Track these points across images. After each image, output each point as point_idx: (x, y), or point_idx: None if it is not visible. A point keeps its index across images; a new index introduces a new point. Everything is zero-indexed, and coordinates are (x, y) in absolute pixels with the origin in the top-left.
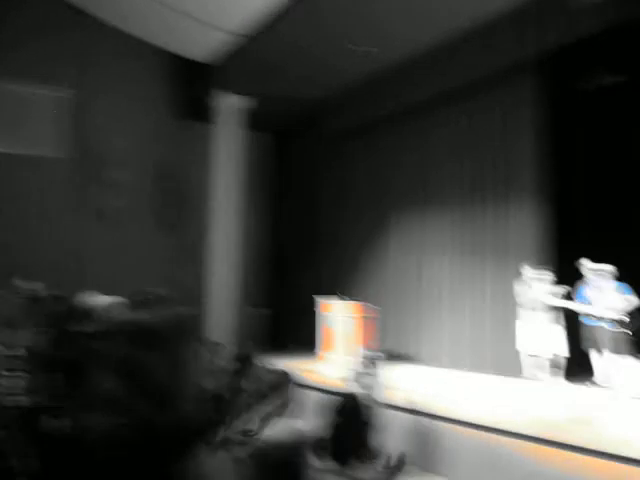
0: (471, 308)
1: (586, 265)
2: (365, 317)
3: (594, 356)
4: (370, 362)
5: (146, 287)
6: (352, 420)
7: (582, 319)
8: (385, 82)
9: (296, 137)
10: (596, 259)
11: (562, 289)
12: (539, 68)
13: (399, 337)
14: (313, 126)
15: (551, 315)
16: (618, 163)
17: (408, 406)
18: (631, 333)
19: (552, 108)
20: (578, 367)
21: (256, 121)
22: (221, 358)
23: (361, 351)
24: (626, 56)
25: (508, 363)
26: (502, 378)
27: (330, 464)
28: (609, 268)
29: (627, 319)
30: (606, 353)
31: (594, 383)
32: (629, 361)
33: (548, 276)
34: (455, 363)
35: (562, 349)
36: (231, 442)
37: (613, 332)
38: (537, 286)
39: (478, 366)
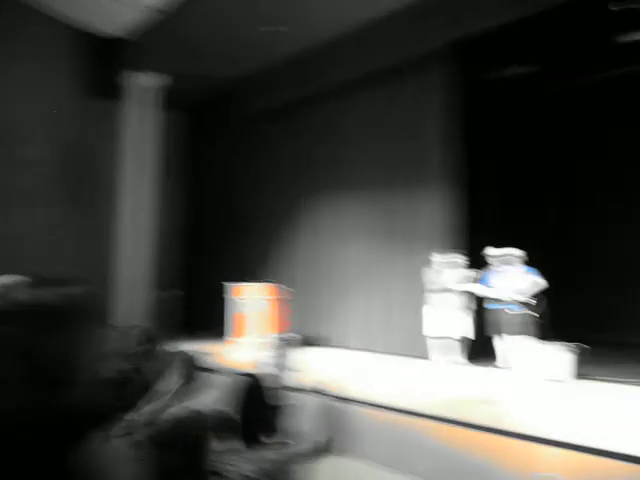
0: (382, 291)
1: (490, 252)
2: (277, 299)
3: (497, 340)
4: (281, 345)
5: (51, 267)
6: (258, 402)
7: (487, 304)
8: (304, 64)
9: (214, 117)
10: (505, 244)
11: (472, 273)
12: (452, 56)
13: (312, 320)
14: (232, 106)
15: (459, 299)
16: (525, 150)
17: (319, 389)
18: (538, 315)
19: (464, 95)
20: (484, 351)
21: (171, 99)
22: (127, 340)
23: (272, 334)
24: (535, 47)
25: (418, 346)
26: (412, 360)
27: (234, 445)
28: (516, 252)
29: (533, 302)
30: (510, 337)
31: (498, 367)
32: (534, 344)
33: (457, 261)
34: (367, 346)
35: (467, 331)
36: (134, 425)
37: (519, 315)
38: (445, 271)
39: (389, 348)
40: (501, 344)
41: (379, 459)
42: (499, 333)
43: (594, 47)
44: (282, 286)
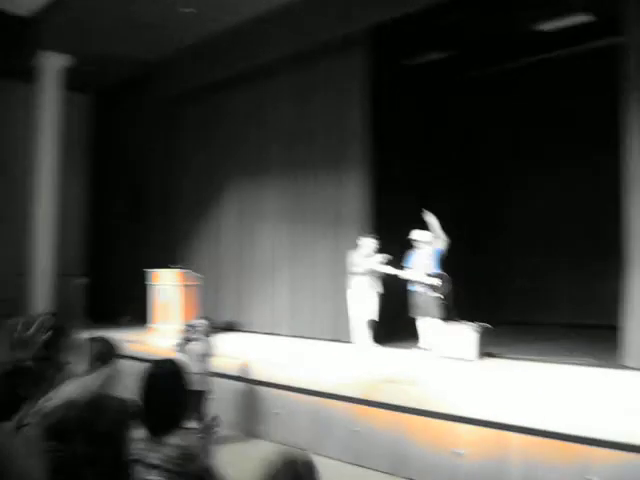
0: (307, 275)
1: (412, 235)
2: (192, 285)
3: (419, 321)
4: (197, 330)
5: None
6: (172, 388)
7: (410, 287)
8: (219, 47)
9: (128, 100)
10: (420, 227)
11: (384, 257)
12: (372, 41)
13: (234, 305)
14: (148, 89)
15: (374, 281)
16: (439, 135)
17: (238, 373)
18: (443, 297)
19: (379, 81)
20: (408, 333)
21: (78, 81)
22: (33, 329)
23: (190, 319)
24: (450, 33)
25: (340, 329)
26: (334, 344)
27: (146, 433)
28: (424, 235)
29: (439, 284)
30: (422, 318)
31: (420, 347)
32: (441, 324)
33: (373, 244)
34: (292, 331)
35: (375, 314)
36: (38, 415)
37: (427, 297)
38: (367, 254)
39: (314, 333)
40: (423, 325)
41: (298, 442)
42: (421, 315)
43: (511, 34)
44: (195, 273)
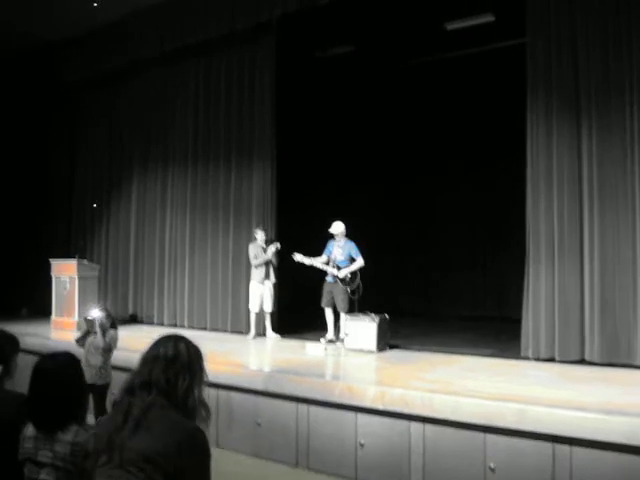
0: (205, 267)
1: (333, 226)
2: (91, 277)
3: (327, 312)
4: (96, 323)
5: None
6: (61, 382)
7: (326, 277)
8: (124, 32)
9: (24, 81)
10: (329, 220)
11: (275, 245)
12: (278, 32)
13: (134, 297)
14: (45, 71)
15: (271, 272)
16: (347, 129)
17: (125, 364)
18: (349, 291)
19: (287, 72)
20: (318, 324)
21: None
22: None
23: (89, 311)
24: (355, 26)
25: (241, 321)
26: (233, 336)
27: (36, 430)
28: (338, 228)
29: (347, 275)
30: (328, 308)
31: (326, 338)
32: (346, 315)
33: (264, 236)
34: (191, 322)
35: (272, 305)
36: None
37: (336, 287)
38: (267, 245)
39: (214, 324)
40: (328, 316)
41: None
42: (326, 305)
43: (420, 31)
44: (94, 264)
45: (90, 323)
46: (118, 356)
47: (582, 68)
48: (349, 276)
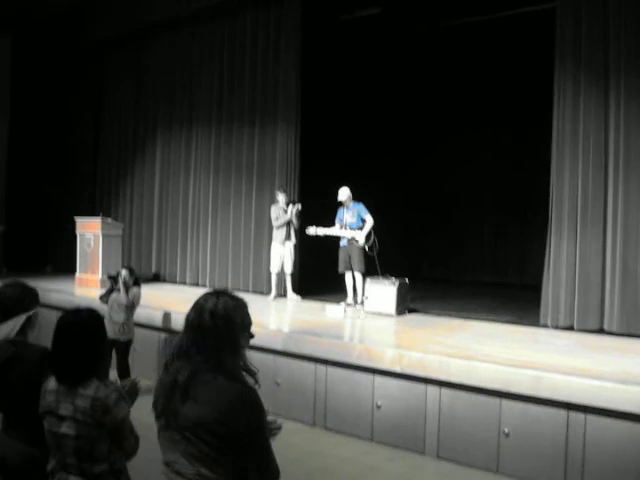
0: (227, 227)
1: (338, 194)
2: (115, 236)
3: (346, 276)
4: (119, 280)
5: None
6: (83, 336)
7: (341, 242)
8: None
9: (49, 42)
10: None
11: (296, 207)
12: None
13: (157, 256)
14: (69, 32)
15: (292, 234)
16: (372, 94)
17: (161, 324)
18: (367, 251)
19: (312, 35)
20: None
21: None
22: None
23: (113, 269)
24: None
25: (261, 281)
26: (253, 296)
27: (58, 383)
28: (344, 194)
29: (362, 238)
30: (347, 272)
31: (346, 302)
32: (363, 279)
33: (286, 197)
34: (212, 281)
35: (292, 266)
36: None
37: (352, 250)
38: (285, 207)
39: (233, 284)
40: (347, 280)
41: None
42: (347, 269)
43: None
44: (118, 223)
45: (113, 281)
46: (141, 313)
47: (612, 34)
48: (365, 240)
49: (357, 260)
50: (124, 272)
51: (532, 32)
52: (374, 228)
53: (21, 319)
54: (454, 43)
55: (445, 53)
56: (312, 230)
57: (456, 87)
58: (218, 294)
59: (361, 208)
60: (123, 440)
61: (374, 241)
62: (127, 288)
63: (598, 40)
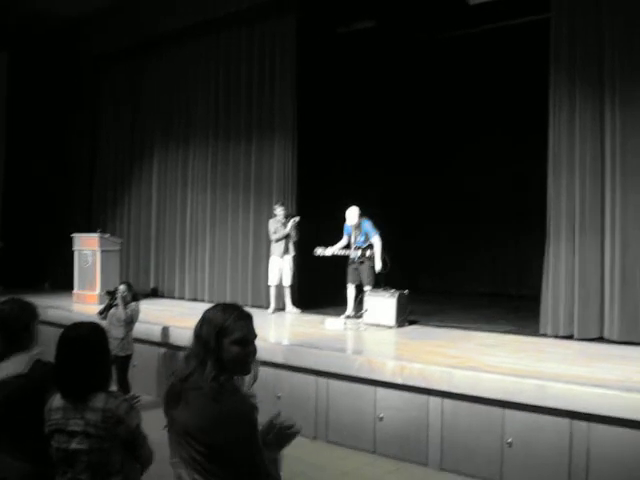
0: (226, 242)
1: (347, 216)
2: (113, 251)
3: (349, 288)
4: (118, 296)
5: None
6: (88, 350)
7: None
8: (145, 7)
9: (45, 58)
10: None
11: (294, 220)
12: (301, 6)
13: (156, 272)
14: (66, 47)
15: (290, 247)
16: (369, 107)
17: (160, 339)
18: (373, 265)
19: (309, 48)
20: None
21: None
22: None
23: (111, 285)
24: (377, 1)
25: (261, 295)
26: (253, 310)
27: (64, 399)
28: (352, 218)
29: (366, 253)
30: (351, 285)
31: (346, 314)
32: (367, 291)
33: (284, 211)
34: (211, 296)
35: (291, 278)
36: None
37: (365, 266)
38: (283, 220)
39: (233, 298)
40: (349, 292)
41: None
42: (349, 281)
43: (445, 6)
44: (116, 239)
45: (112, 296)
46: (139, 328)
47: (607, 44)
48: (381, 263)
49: (367, 275)
50: (122, 287)
51: (528, 42)
52: (383, 246)
53: (32, 355)
54: (449, 55)
55: (441, 65)
56: (320, 251)
57: (452, 99)
58: (224, 307)
59: (368, 225)
60: (138, 449)
61: (385, 259)
62: (125, 303)
63: (592, 50)
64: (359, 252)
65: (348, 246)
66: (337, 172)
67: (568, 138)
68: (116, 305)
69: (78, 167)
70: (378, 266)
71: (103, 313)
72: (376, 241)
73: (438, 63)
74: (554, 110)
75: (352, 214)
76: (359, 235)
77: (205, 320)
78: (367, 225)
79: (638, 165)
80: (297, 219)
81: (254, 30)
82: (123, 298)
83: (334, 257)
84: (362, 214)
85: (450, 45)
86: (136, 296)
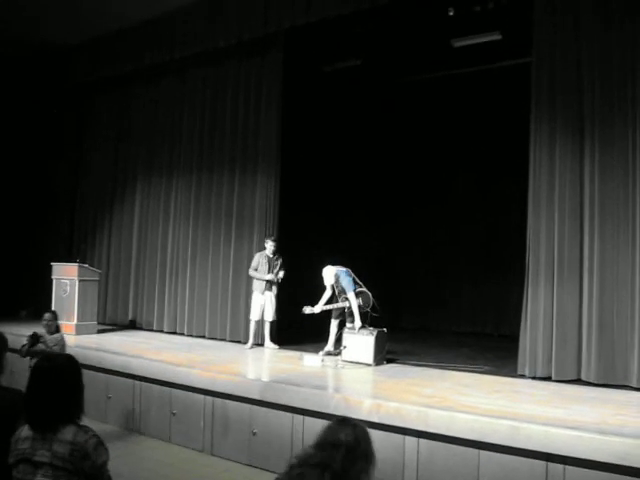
0: (205, 275)
1: (324, 275)
2: (91, 281)
3: (333, 324)
4: (43, 323)
5: None
6: (59, 382)
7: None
8: (131, 39)
9: (27, 87)
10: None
11: (282, 273)
12: (286, 44)
13: (135, 303)
14: (50, 76)
15: (273, 286)
16: (352, 145)
17: (127, 369)
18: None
19: (294, 85)
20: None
21: None
22: None
23: (91, 315)
24: (362, 40)
25: (239, 330)
26: (231, 345)
27: (32, 429)
28: (329, 279)
29: (357, 324)
30: (334, 321)
31: (326, 350)
32: (349, 330)
33: (273, 246)
34: (190, 329)
35: (273, 314)
36: None
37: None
38: (270, 255)
39: (211, 332)
40: (332, 328)
41: (194, 442)
42: (333, 317)
43: (426, 47)
44: (95, 269)
45: (35, 341)
46: (116, 361)
47: (586, 89)
48: (359, 319)
49: (356, 314)
50: (47, 315)
51: (510, 85)
52: (369, 291)
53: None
54: (433, 95)
55: (423, 105)
56: (308, 310)
57: (435, 139)
58: (353, 422)
59: (345, 284)
60: None
61: (374, 303)
62: (50, 333)
63: (573, 94)
64: (347, 302)
65: (333, 294)
66: (319, 209)
67: (547, 180)
68: (42, 341)
69: (60, 195)
70: (358, 323)
71: (28, 349)
72: (352, 297)
73: (420, 102)
74: (534, 153)
75: (327, 275)
76: (340, 287)
77: (360, 438)
78: (344, 281)
79: (616, 210)
80: (281, 275)
81: (241, 65)
82: (48, 327)
83: (310, 292)
84: (339, 263)
85: (433, 85)
86: (58, 328)
